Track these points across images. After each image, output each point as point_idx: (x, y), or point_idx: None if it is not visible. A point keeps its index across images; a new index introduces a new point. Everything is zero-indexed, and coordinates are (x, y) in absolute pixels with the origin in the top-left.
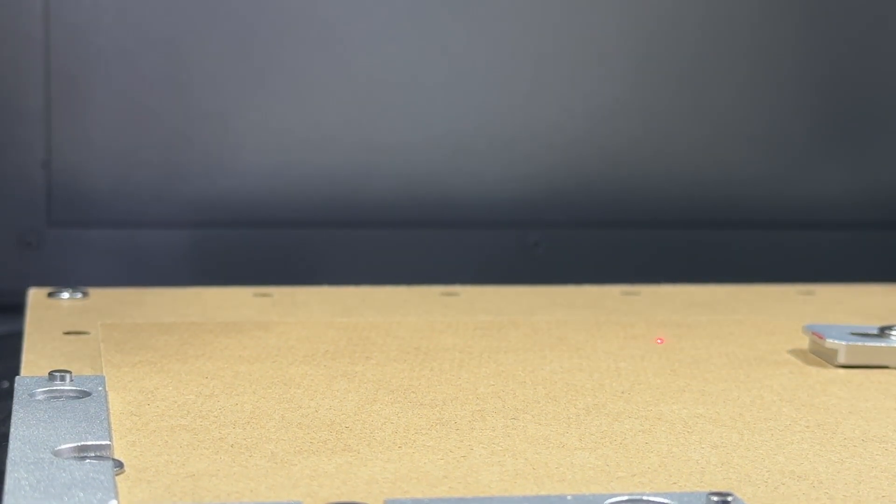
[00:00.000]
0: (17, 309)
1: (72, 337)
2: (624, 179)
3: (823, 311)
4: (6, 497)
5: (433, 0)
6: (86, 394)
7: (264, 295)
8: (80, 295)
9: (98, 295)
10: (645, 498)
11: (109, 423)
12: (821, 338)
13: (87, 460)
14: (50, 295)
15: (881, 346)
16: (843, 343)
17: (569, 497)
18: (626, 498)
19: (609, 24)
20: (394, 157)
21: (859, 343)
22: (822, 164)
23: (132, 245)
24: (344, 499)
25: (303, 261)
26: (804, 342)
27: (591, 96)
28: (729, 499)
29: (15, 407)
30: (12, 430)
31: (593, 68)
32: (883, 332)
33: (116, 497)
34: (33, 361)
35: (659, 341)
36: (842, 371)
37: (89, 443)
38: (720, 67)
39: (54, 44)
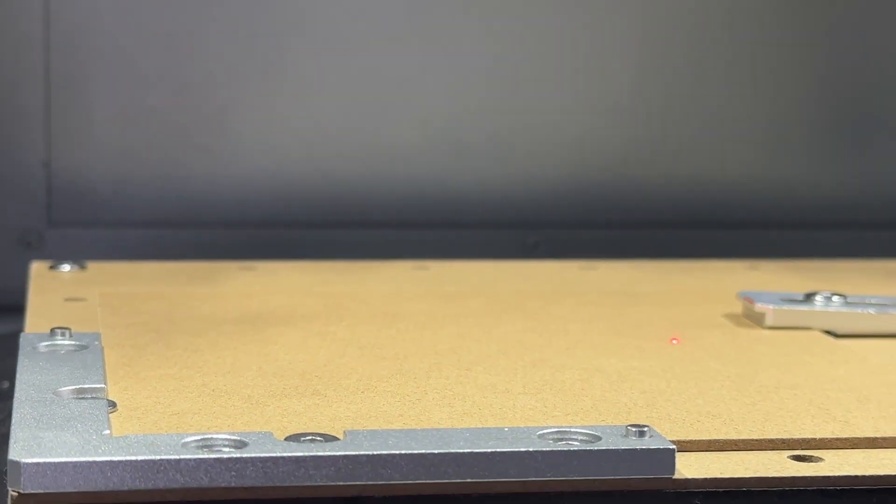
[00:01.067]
0: (17, 309)
1: (71, 303)
2: (624, 180)
3: (764, 282)
4: (13, 428)
5: (434, 0)
6: (83, 347)
7: (248, 269)
8: (78, 268)
9: (96, 268)
10: (572, 430)
11: (104, 371)
12: (751, 303)
13: (85, 400)
14: (51, 267)
15: (805, 310)
16: (771, 307)
17: (505, 429)
18: (555, 429)
19: (610, 24)
20: (394, 157)
21: (785, 307)
22: (821, 164)
23: (132, 245)
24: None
25: (302, 260)
26: (739, 308)
27: (592, 96)
28: (644, 429)
29: (20, 357)
30: (18, 375)
31: (594, 68)
32: (808, 297)
33: (110, 429)
34: (36, 323)
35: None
36: (768, 332)
37: (86, 386)
38: (720, 68)
39: (54, 44)
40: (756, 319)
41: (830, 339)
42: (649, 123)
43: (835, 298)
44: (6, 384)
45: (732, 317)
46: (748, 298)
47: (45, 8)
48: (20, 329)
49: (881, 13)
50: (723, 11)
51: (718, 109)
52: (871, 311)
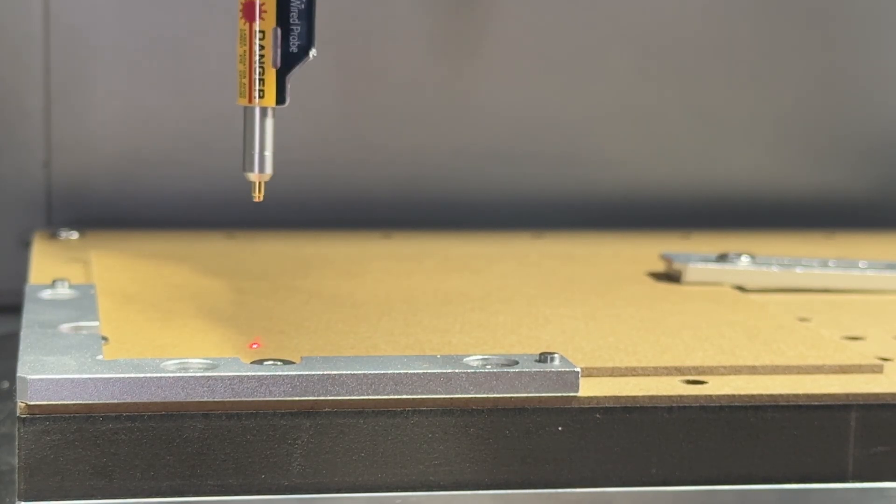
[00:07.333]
0: (17, 309)
1: (70, 262)
2: (624, 180)
3: (693, 249)
4: (21, 353)
5: (434, 1)
6: (80, 295)
7: (230, 237)
8: (77, 234)
9: (94, 234)
10: (493, 357)
11: (98, 313)
12: (671, 262)
13: (81, 334)
14: (52, 235)
15: (717, 268)
16: (688, 265)
17: (438, 356)
18: (479, 357)
19: (610, 24)
20: (394, 157)
21: (700, 265)
22: (821, 163)
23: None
24: None
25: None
26: (662, 268)
27: (592, 96)
28: (555, 356)
29: (26, 302)
30: (25, 315)
31: (594, 68)
32: (721, 257)
33: (102, 354)
34: (39, 278)
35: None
36: (685, 287)
37: (83, 324)
38: (720, 68)
39: (54, 44)
40: (675, 277)
41: (737, 292)
42: (649, 124)
43: (744, 258)
44: (6, 384)
45: (655, 275)
46: (668, 258)
47: (45, 8)
48: (20, 329)
49: (882, 13)
50: (724, 12)
51: (718, 110)
52: (776, 268)
